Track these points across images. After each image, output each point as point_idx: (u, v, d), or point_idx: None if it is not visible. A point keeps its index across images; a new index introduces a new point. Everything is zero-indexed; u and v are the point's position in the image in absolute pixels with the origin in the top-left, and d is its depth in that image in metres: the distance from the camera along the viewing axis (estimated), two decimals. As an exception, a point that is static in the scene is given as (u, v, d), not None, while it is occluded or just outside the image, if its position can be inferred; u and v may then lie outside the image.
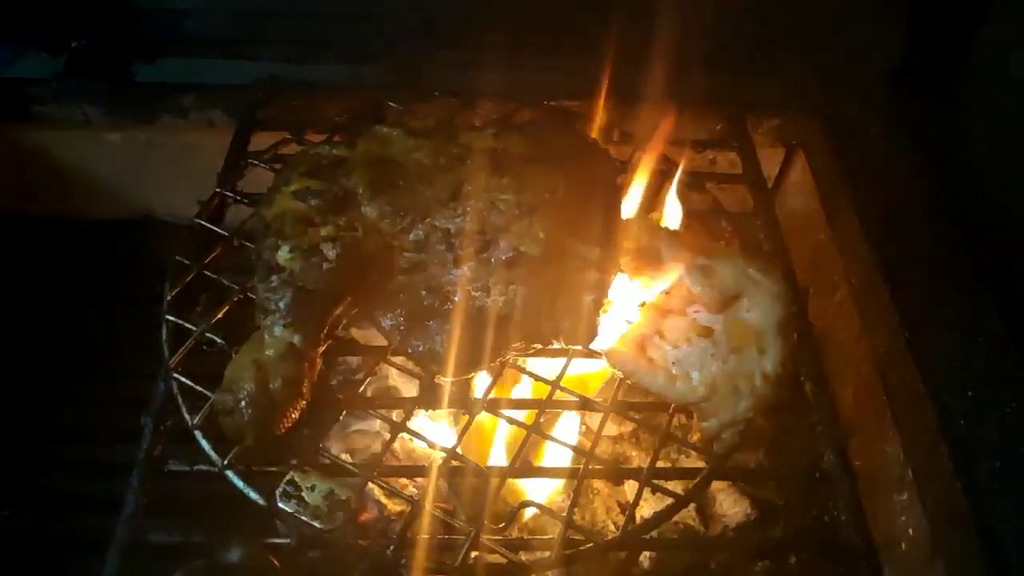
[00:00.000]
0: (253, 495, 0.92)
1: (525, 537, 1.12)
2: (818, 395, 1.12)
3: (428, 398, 1.04)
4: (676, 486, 0.98)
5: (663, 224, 1.18)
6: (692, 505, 1.19)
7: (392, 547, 0.89)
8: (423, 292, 1.03)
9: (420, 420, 1.20)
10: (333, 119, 1.31)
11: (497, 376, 1.04)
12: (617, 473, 1.19)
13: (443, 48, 1.45)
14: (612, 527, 1.19)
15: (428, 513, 0.92)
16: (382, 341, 1.06)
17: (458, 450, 0.97)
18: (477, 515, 0.94)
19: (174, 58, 1.49)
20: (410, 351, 1.02)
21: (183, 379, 1.00)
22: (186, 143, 1.55)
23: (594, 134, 1.28)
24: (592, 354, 1.05)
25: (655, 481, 0.96)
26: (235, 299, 1.07)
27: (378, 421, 1.06)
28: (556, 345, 1.03)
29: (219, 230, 1.17)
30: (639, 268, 1.08)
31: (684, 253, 1.06)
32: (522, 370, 1.07)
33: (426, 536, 0.92)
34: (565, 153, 1.14)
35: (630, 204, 1.20)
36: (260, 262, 1.02)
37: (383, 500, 1.17)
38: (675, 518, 1.05)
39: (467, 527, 0.90)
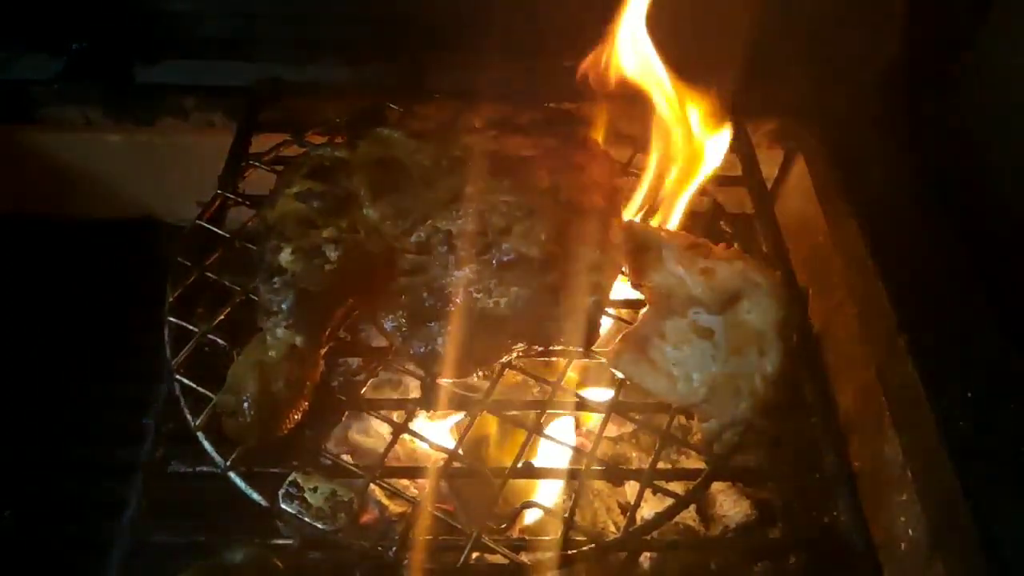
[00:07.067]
0: (255, 496, 0.92)
1: (526, 538, 1.12)
2: (818, 396, 1.12)
3: (429, 399, 1.04)
4: (676, 487, 0.98)
5: (663, 226, 1.19)
6: (692, 506, 1.19)
7: (394, 548, 0.90)
8: (425, 294, 1.03)
9: (421, 421, 1.20)
10: (334, 121, 1.31)
11: (498, 377, 1.05)
12: (618, 474, 1.19)
13: (444, 49, 1.45)
14: (613, 528, 1.20)
15: (430, 514, 0.92)
16: (383, 342, 1.06)
17: (459, 451, 0.98)
18: (478, 516, 0.94)
19: (175, 59, 1.50)
20: (412, 352, 1.02)
21: (185, 380, 1.00)
22: (187, 144, 1.55)
23: (595, 136, 1.28)
24: (593, 356, 1.05)
25: (655, 482, 0.96)
26: (237, 300, 1.07)
27: (380, 422, 1.06)
28: (557, 347, 1.04)
29: (220, 231, 1.17)
30: (640, 270, 1.08)
31: (684, 255, 1.07)
32: (523, 371, 1.07)
33: (428, 537, 0.92)
34: (566, 155, 1.14)
35: (630, 206, 1.21)
36: (262, 264, 1.02)
37: (385, 501, 1.17)
38: (675, 519, 1.05)
39: (468, 528, 0.91)
